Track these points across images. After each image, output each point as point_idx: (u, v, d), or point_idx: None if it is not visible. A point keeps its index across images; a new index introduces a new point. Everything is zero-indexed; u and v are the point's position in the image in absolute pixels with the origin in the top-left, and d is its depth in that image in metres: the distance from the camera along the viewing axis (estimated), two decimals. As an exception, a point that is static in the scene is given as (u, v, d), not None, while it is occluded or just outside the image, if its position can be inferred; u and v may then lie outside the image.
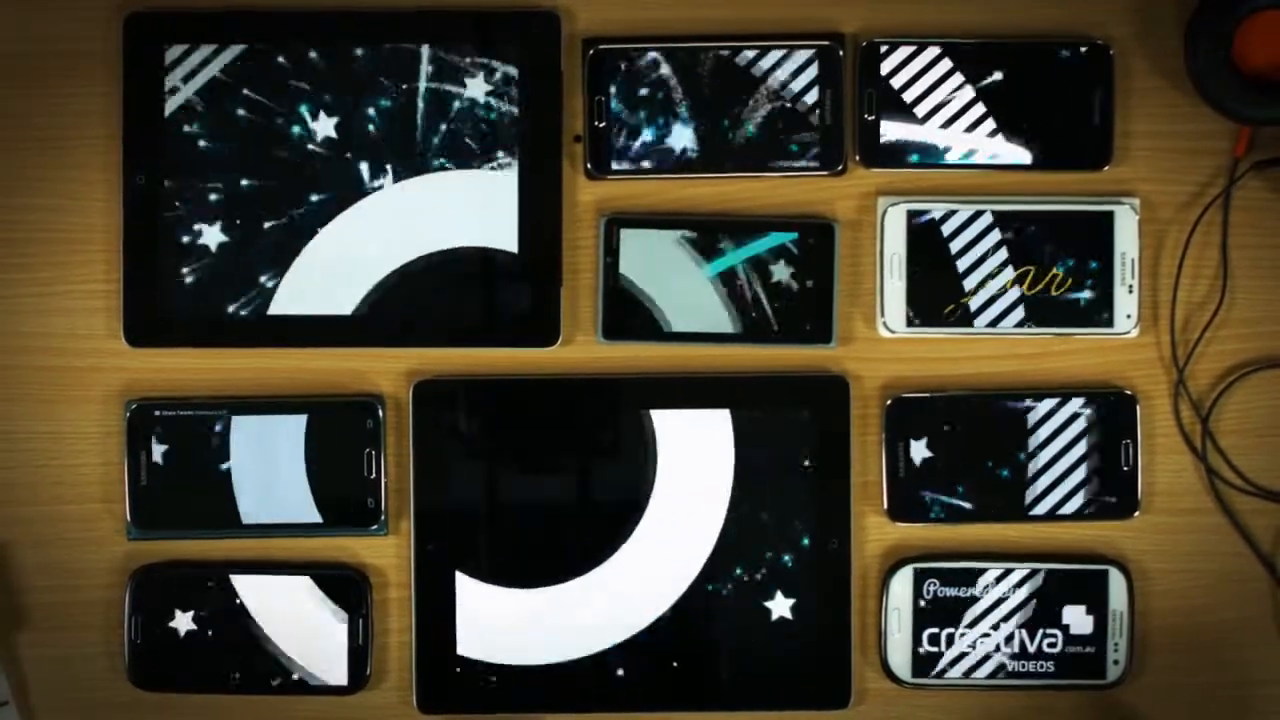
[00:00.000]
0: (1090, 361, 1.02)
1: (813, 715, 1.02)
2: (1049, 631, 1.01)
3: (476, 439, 1.01)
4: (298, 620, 1.01)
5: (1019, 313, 1.01)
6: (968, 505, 1.01)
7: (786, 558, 1.01)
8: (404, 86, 1.01)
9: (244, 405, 1.01)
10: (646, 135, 1.01)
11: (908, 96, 1.01)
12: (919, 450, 1.01)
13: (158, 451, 1.00)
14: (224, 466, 1.01)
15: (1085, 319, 1.01)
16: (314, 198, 1.00)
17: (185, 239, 1.00)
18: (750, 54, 1.01)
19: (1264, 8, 0.96)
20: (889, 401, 1.01)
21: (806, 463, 1.01)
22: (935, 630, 1.01)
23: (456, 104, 1.01)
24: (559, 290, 1.00)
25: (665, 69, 1.01)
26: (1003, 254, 1.01)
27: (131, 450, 1.00)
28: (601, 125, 1.01)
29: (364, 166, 1.00)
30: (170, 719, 1.03)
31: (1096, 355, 1.02)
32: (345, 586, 1.01)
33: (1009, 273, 1.01)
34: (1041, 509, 1.01)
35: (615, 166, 1.01)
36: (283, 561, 1.02)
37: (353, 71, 1.01)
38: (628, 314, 1.01)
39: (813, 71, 1.01)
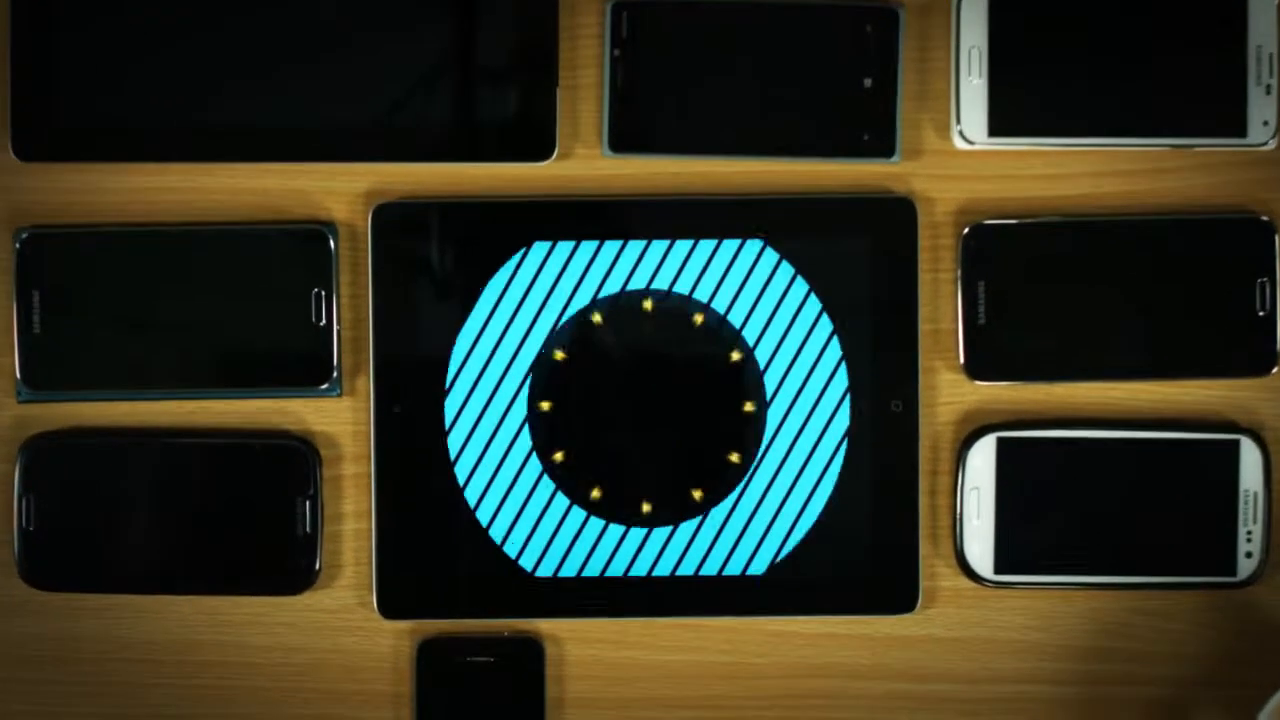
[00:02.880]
0: (1216, 179, 0.94)
1: (872, 620, 0.94)
2: (1164, 517, 0.93)
3: (452, 277, 0.93)
4: (228, 503, 0.94)
5: (1128, 117, 0.93)
6: (1063, 358, 0.94)
7: (838, 426, 0.93)
8: None
9: (162, 233, 0.94)
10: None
11: None
12: (1004, 290, 0.93)
13: (54, 291, 0.93)
14: (136, 308, 0.93)
15: (1210, 127, 0.93)
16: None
17: (91, 25, 0.93)
18: None
19: None
20: (966, 230, 0.93)
21: (863, 306, 0.93)
22: (1023, 515, 0.93)
23: None
24: (555, 91, 0.93)
25: None
26: (1108, 43, 0.92)
27: (21, 291, 0.92)
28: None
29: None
30: (72, 624, 0.95)
31: (1224, 172, 0.94)
32: (287, 460, 0.93)
33: (1115, 67, 0.92)
34: (1154, 363, 0.94)
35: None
36: (210, 429, 0.94)
37: None
38: (641, 121, 0.93)
39: None
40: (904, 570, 0.93)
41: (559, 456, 0.92)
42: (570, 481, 0.92)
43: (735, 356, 0.92)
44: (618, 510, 0.93)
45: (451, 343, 0.93)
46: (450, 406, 0.92)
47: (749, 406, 0.92)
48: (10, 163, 0.92)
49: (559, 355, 0.92)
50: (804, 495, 0.93)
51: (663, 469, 0.93)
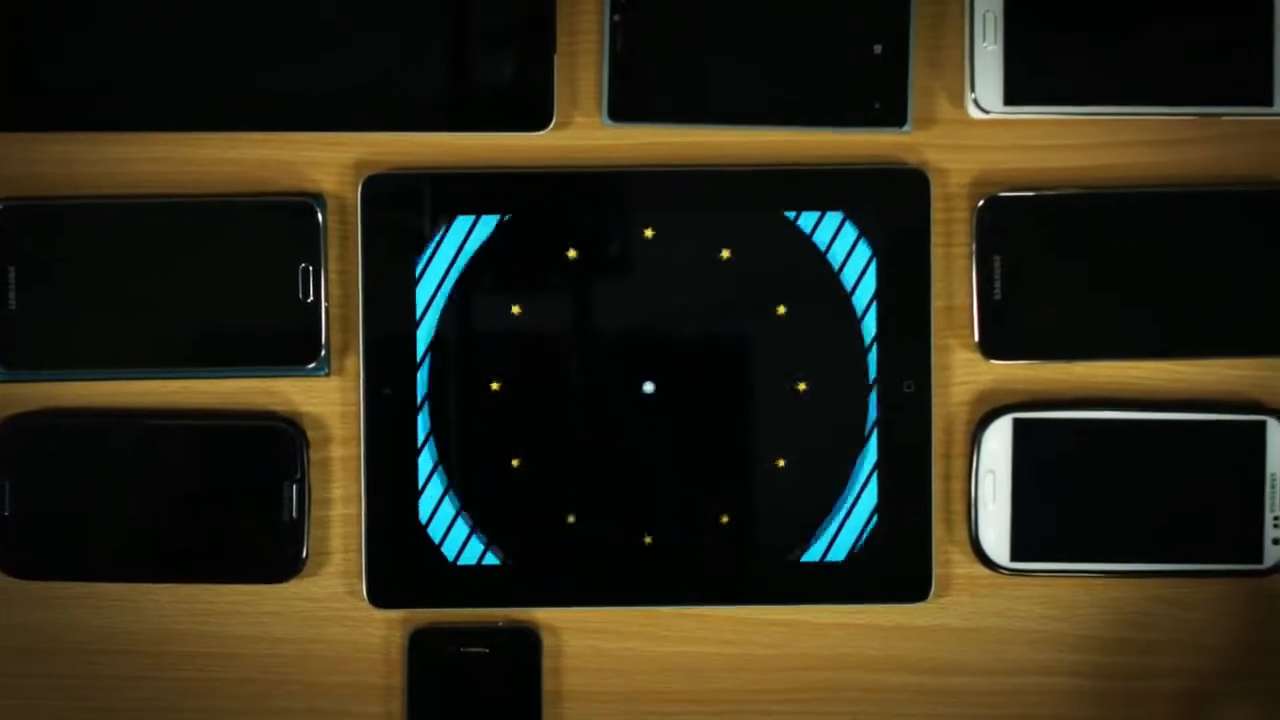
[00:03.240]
0: (1242, 150, 0.93)
1: (883, 610, 0.92)
2: (1187, 501, 0.91)
3: (444, 250, 0.90)
4: (211, 487, 0.92)
5: (1149, 85, 0.91)
6: (1082, 336, 0.92)
7: (846, 408, 0.89)
8: None
9: (144, 206, 0.92)
10: None
11: None
12: (1020, 265, 0.91)
13: (30, 266, 0.91)
14: (116, 284, 0.91)
15: (1236, 95, 0.91)
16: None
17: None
18: None
19: None
20: (981, 202, 0.91)
21: (872, 282, 0.89)
22: (1041, 499, 0.92)
23: None
24: (552, 57, 0.91)
25: None
26: (1129, 8, 0.91)
27: (-5, 263, 0.92)
28: None
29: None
30: (51, 614, 0.94)
31: (1250, 142, 0.92)
32: (273, 442, 0.92)
33: (1136, 32, 0.91)
34: (1177, 341, 0.92)
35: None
36: (193, 410, 0.93)
37: None
38: (642, 89, 0.90)
39: None
40: (916, 557, 0.90)
41: (515, 463, 0.86)
42: (534, 502, 0.86)
43: (781, 311, 0.85)
44: (601, 545, 0.87)
45: (423, 315, 0.89)
46: (420, 386, 0.89)
47: (801, 386, 0.86)
48: (-17, 132, 0.90)
49: (515, 310, 0.84)
50: (815, 479, 0.89)
51: (671, 484, 0.88)
